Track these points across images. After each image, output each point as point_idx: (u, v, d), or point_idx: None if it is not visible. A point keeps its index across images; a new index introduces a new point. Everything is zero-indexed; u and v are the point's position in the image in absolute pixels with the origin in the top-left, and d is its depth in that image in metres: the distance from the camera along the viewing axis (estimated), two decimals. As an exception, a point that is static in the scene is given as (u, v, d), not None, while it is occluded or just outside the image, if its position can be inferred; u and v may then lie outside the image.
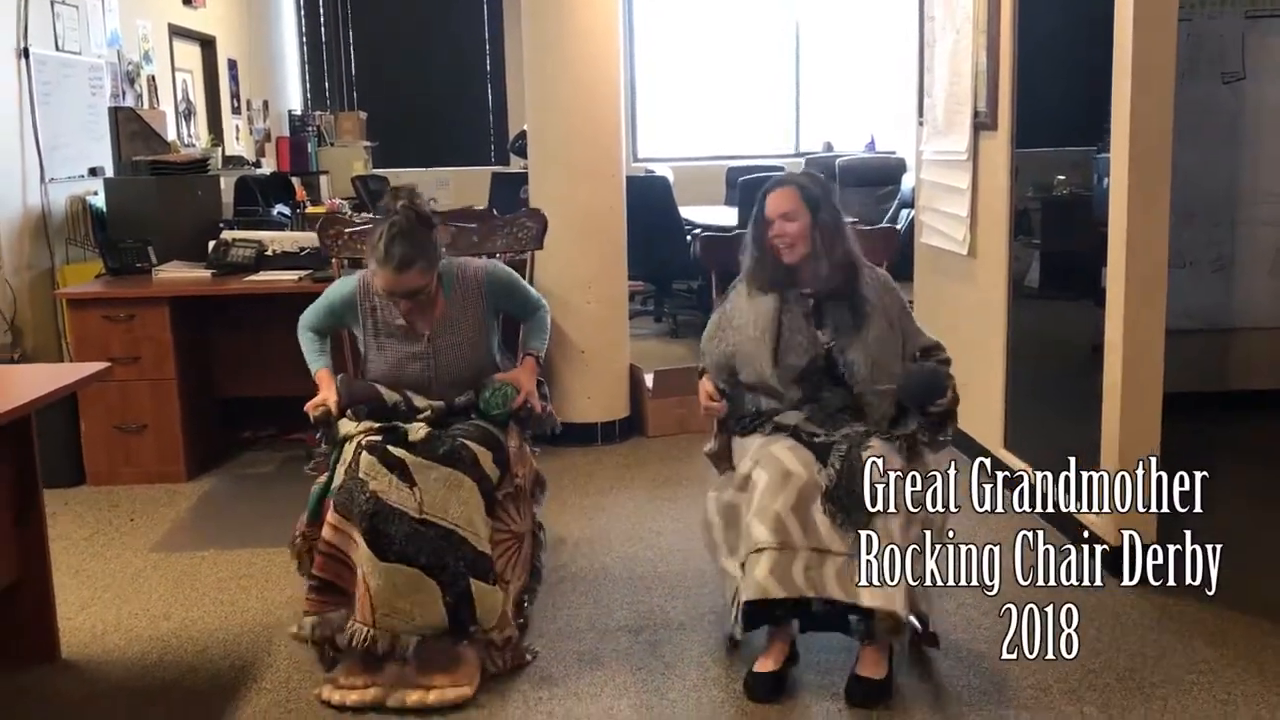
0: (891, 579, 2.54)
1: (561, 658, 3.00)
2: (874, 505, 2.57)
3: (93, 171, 5.46)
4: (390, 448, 2.82)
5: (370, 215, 3.44)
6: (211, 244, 4.81)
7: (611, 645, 3.07)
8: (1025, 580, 3.36)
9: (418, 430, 2.90)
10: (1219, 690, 2.76)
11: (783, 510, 2.63)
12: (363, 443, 2.85)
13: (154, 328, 4.44)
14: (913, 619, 2.67)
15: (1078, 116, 3.59)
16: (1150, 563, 3.37)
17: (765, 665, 2.77)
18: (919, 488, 2.63)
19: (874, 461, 2.61)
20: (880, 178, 8.30)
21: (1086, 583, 3.34)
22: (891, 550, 2.54)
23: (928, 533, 2.65)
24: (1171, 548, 3.50)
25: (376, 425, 2.92)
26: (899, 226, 6.84)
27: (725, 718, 2.67)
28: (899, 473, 2.62)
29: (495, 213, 3.51)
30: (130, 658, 3.06)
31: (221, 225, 5.13)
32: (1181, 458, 4.24)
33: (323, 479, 2.92)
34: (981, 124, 4.19)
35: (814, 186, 2.92)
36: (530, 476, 3.12)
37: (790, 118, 10.51)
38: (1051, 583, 3.35)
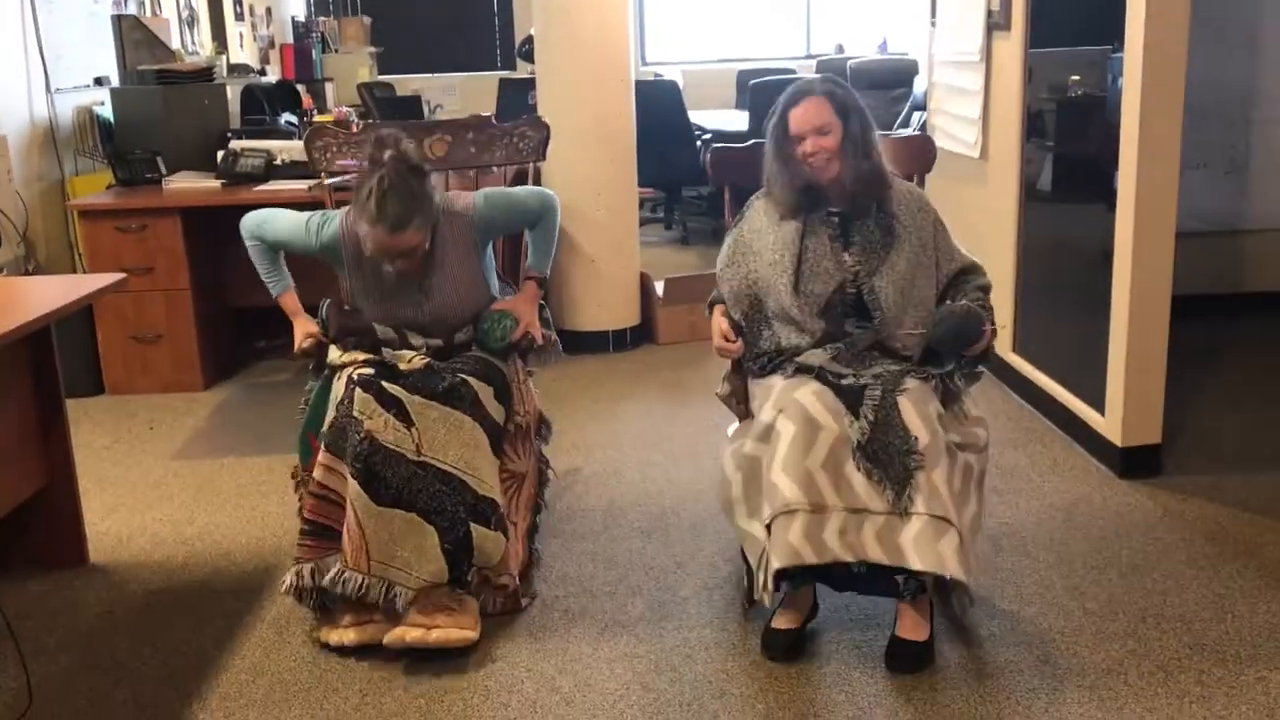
0: (942, 539, 2.31)
1: (576, 557, 3.07)
2: (913, 457, 2.34)
3: (98, 81, 5.42)
4: (385, 384, 2.62)
5: (373, 121, 3.29)
6: (220, 154, 4.80)
7: (625, 545, 3.14)
8: (1037, 478, 3.45)
9: (413, 359, 2.73)
10: (1217, 585, 2.82)
11: (813, 467, 2.37)
12: (355, 377, 2.64)
13: (166, 238, 4.46)
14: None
15: (1094, 14, 3.53)
16: (1154, 462, 3.45)
17: (785, 622, 2.57)
18: (959, 438, 2.46)
19: (910, 407, 2.39)
20: (893, 80, 8.17)
21: (1093, 483, 3.43)
22: (942, 506, 2.32)
23: (969, 481, 2.47)
24: (1175, 448, 3.58)
25: (367, 357, 2.75)
26: (911, 130, 6.78)
27: (734, 619, 2.74)
28: (936, 416, 2.41)
29: (494, 121, 3.30)
30: (156, 561, 3.15)
31: (229, 135, 5.11)
32: (1191, 358, 4.29)
33: (304, 414, 2.81)
34: (994, 24, 4.13)
35: (842, 92, 2.60)
36: (534, 415, 2.96)
37: (802, 19, 10.32)
38: (1059, 483, 3.43)
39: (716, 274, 2.75)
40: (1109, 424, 3.49)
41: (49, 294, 2.83)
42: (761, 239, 2.65)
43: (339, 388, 2.68)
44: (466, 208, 2.84)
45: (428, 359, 2.75)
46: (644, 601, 2.84)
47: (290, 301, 2.96)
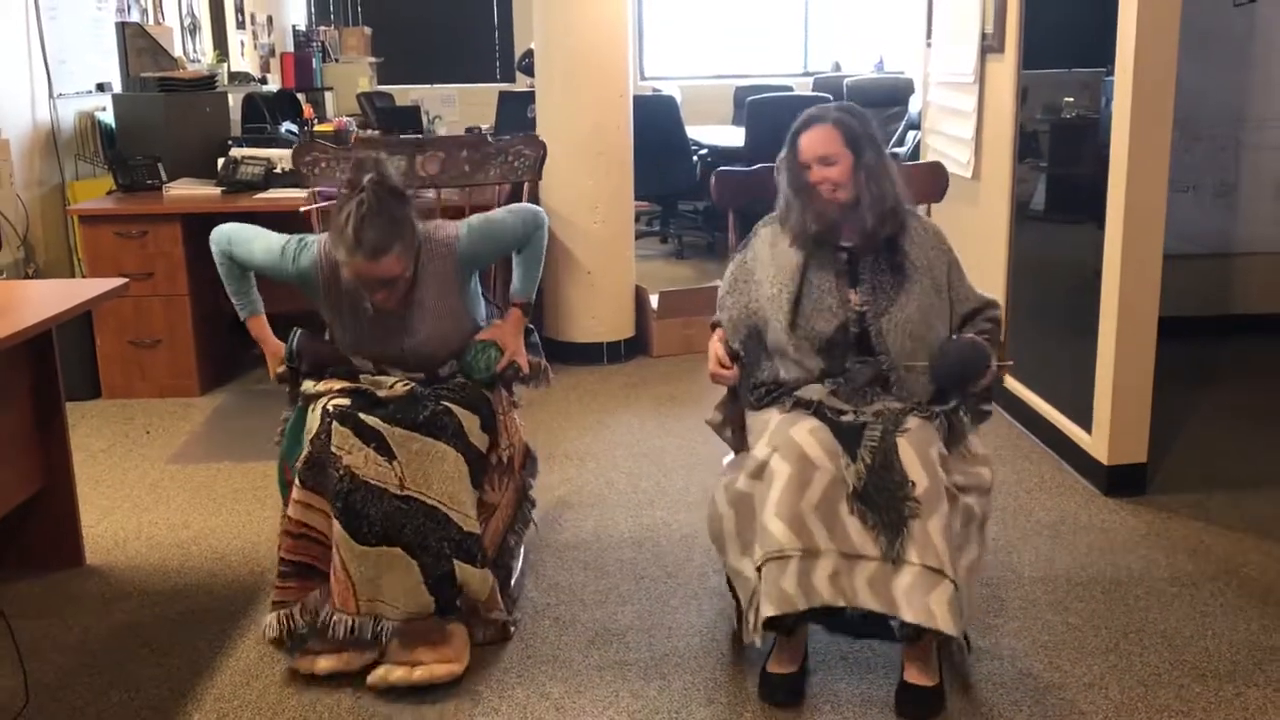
0: (934, 591, 2.22)
1: (567, 566, 3.11)
2: (909, 504, 2.25)
3: (100, 87, 5.46)
4: (363, 415, 2.50)
5: (368, 134, 3.14)
6: (221, 161, 4.85)
7: (616, 555, 3.18)
8: (1024, 495, 3.49)
9: (394, 385, 2.63)
10: (1199, 602, 2.87)
11: (806, 509, 2.29)
12: (330, 409, 2.52)
13: (166, 244, 4.50)
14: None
15: (1089, 37, 3.59)
16: (1140, 480, 3.49)
17: (781, 665, 2.48)
18: (962, 479, 2.37)
19: (910, 450, 2.29)
20: (888, 98, 8.25)
21: (1079, 500, 3.47)
22: (936, 557, 2.22)
23: (971, 525, 2.36)
24: (1161, 466, 3.62)
25: (344, 385, 2.63)
26: (905, 149, 6.85)
27: (724, 628, 2.77)
28: (938, 459, 2.31)
29: (490, 139, 3.21)
30: (152, 563, 3.18)
31: (230, 142, 5.17)
32: (1179, 379, 4.35)
33: (280, 446, 2.70)
34: (988, 46, 4.19)
35: (854, 121, 2.48)
36: (519, 448, 2.83)
37: (799, 37, 10.41)
38: (1045, 500, 3.48)
39: (718, 299, 2.68)
40: (1095, 443, 3.54)
41: (52, 298, 2.87)
42: (763, 269, 2.57)
43: (314, 420, 2.55)
44: (449, 239, 2.70)
45: (410, 384, 2.65)
46: (634, 610, 2.87)
47: (258, 328, 2.84)
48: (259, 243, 2.75)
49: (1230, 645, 2.66)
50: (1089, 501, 3.46)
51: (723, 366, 2.53)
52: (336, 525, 2.46)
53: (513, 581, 2.87)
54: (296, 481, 2.51)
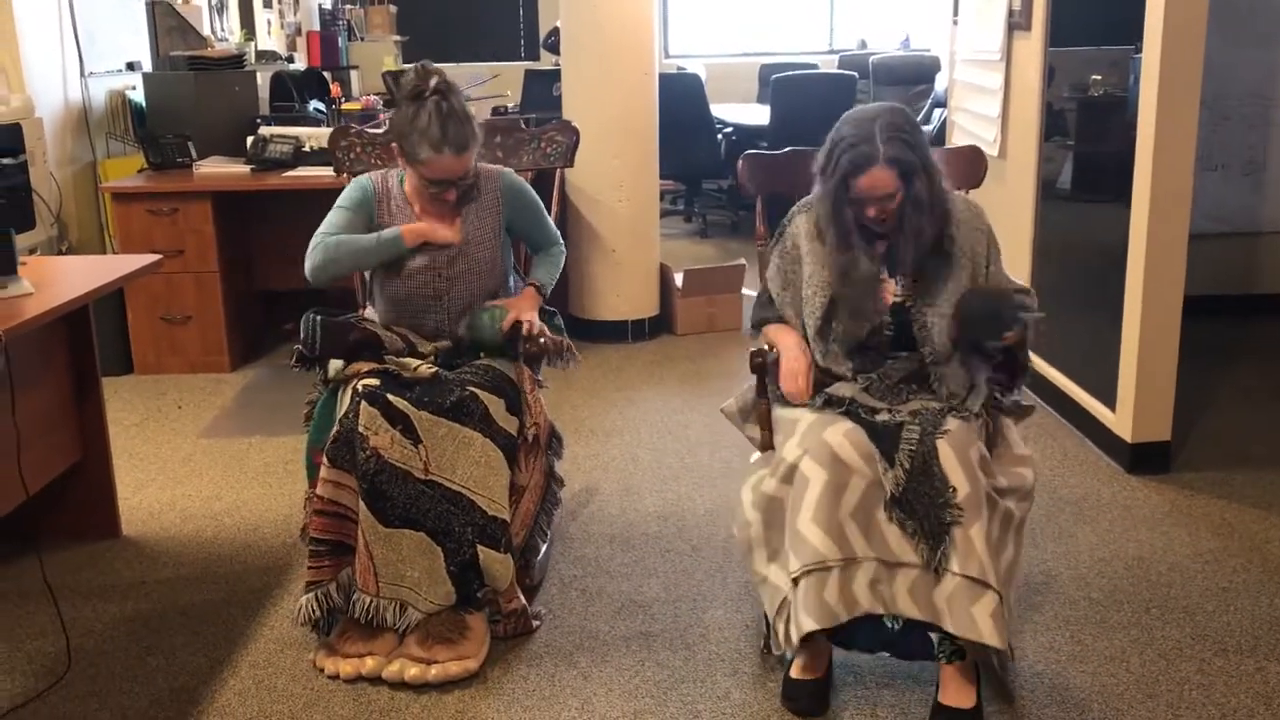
0: (978, 603, 2.13)
1: (594, 539, 3.15)
2: (950, 511, 2.15)
3: (130, 66, 5.51)
4: (391, 397, 2.51)
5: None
6: (250, 140, 4.90)
7: (642, 529, 3.22)
8: (1048, 472, 3.50)
9: (418, 367, 2.62)
10: (1221, 578, 2.88)
11: (843, 516, 2.20)
12: (359, 389, 2.55)
13: (197, 221, 4.56)
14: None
15: (1117, 15, 3.57)
16: (1163, 458, 3.50)
17: (806, 672, 2.38)
18: (1005, 481, 2.26)
19: (950, 453, 2.18)
20: (914, 76, 8.22)
21: (1102, 478, 3.49)
22: (979, 567, 2.13)
23: (1009, 528, 2.26)
24: (1184, 444, 3.63)
25: (372, 367, 2.63)
26: (931, 127, 6.82)
27: (747, 601, 2.81)
28: (979, 461, 2.21)
29: (524, 124, 3.19)
30: (187, 534, 3.24)
31: (259, 121, 5.21)
32: (1204, 357, 4.34)
33: (308, 431, 2.70)
34: (1015, 23, 4.18)
35: (908, 153, 2.26)
36: (545, 428, 2.79)
37: (825, 14, 10.35)
38: (1069, 477, 3.49)
39: (767, 294, 2.55)
40: (1119, 420, 3.55)
41: (88, 274, 2.92)
42: (803, 263, 2.45)
43: (344, 399, 2.58)
44: (494, 175, 2.83)
45: (435, 368, 2.64)
46: (659, 582, 2.91)
47: (411, 233, 2.71)
48: (329, 217, 2.75)
49: (1252, 620, 2.68)
50: (1112, 479, 3.48)
51: (799, 380, 2.38)
52: (362, 505, 2.48)
53: (537, 561, 2.83)
54: (325, 460, 2.52)
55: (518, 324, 2.74)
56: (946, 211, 2.37)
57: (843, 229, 2.35)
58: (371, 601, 2.48)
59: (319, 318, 2.67)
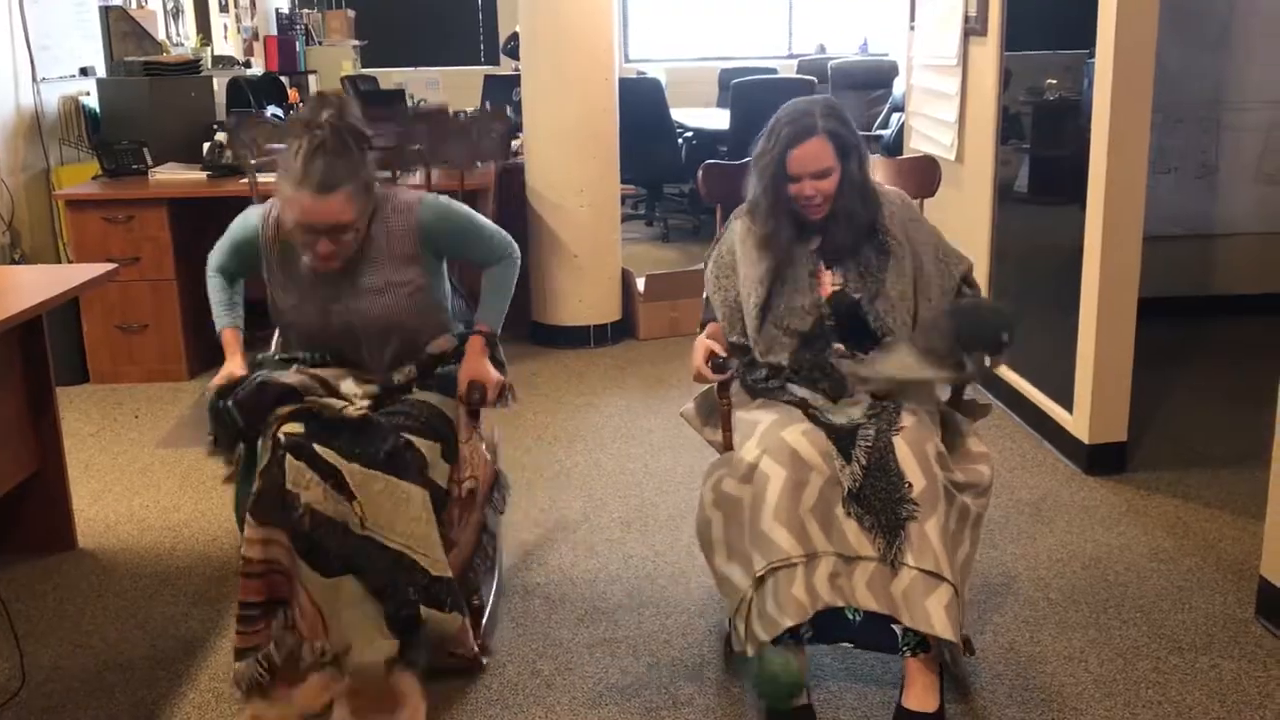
0: (932, 595, 2.17)
1: (557, 546, 3.14)
2: (905, 506, 2.19)
3: (83, 71, 5.45)
4: (318, 447, 2.25)
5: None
6: (206, 145, 4.85)
7: (605, 535, 3.21)
8: (1006, 474, 3.54)
9: (344, 408, 2.34)
10: (1176, 577, 2.92)
11: (804, 512, 2.24)
12: (281, 439, 2.26)
13: (153, 228, 4.51)
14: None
15: (1071, 19, 3.62)
16: (1120, 459, 3.55)
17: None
18: (962, 476, 2.31)
19: (906, 449, 2.23)
20: (872, 81, 8.28)
21: (1060, 479, 3.52)
22: (933, 560, 2.17)
23: (965, 523, 2.30)
24: (1140, 445, 3.68)
25: (293, 408, 2.32)
26: (889, 131, 6.88)
27: (711, 606, 2.81)
28: (936, 456, 2.25)
29: (453, 113, 2.89)
30: (144, 546, 3.20)
31: (215, 126, 5.16)
32: (1160, 359, 4.40)
33: (235, 487, 2.42)
34: (971, 29, 4.22)
35: (843, 129, 2.37)
36: (486, 479, 2.59)
37: (784, 19, 10.42)
38: (1027, 478, 3.53)
39: (704, 296, 2.61)
40: (1076, 422, 3.59)
41: (41, 283, 2.89)
42: (740, 265, 2.50)
43: (264, 450, 2.29)
44: (408, 205, 2.47)
45: (364, 410, 2.36)
46: (622, 589, 2.91)
47: (230, 337, 2.62)
48: (223, 237, 2.61)
49: (1206, 618, 2.72)
50: (1070, 480, 3.52)
51: (712, 368, 2.41)
52: (301, 564, 2.27)
53: (483, 621, 2.66)
54: (249, 520, 2.25)
55: (474, 385, 2.49)
56: (878, 200, 2.45)
57: (777, 199, 2.40)
58: (322, 645, 2.28)
59: (228, 404, 2.38)
